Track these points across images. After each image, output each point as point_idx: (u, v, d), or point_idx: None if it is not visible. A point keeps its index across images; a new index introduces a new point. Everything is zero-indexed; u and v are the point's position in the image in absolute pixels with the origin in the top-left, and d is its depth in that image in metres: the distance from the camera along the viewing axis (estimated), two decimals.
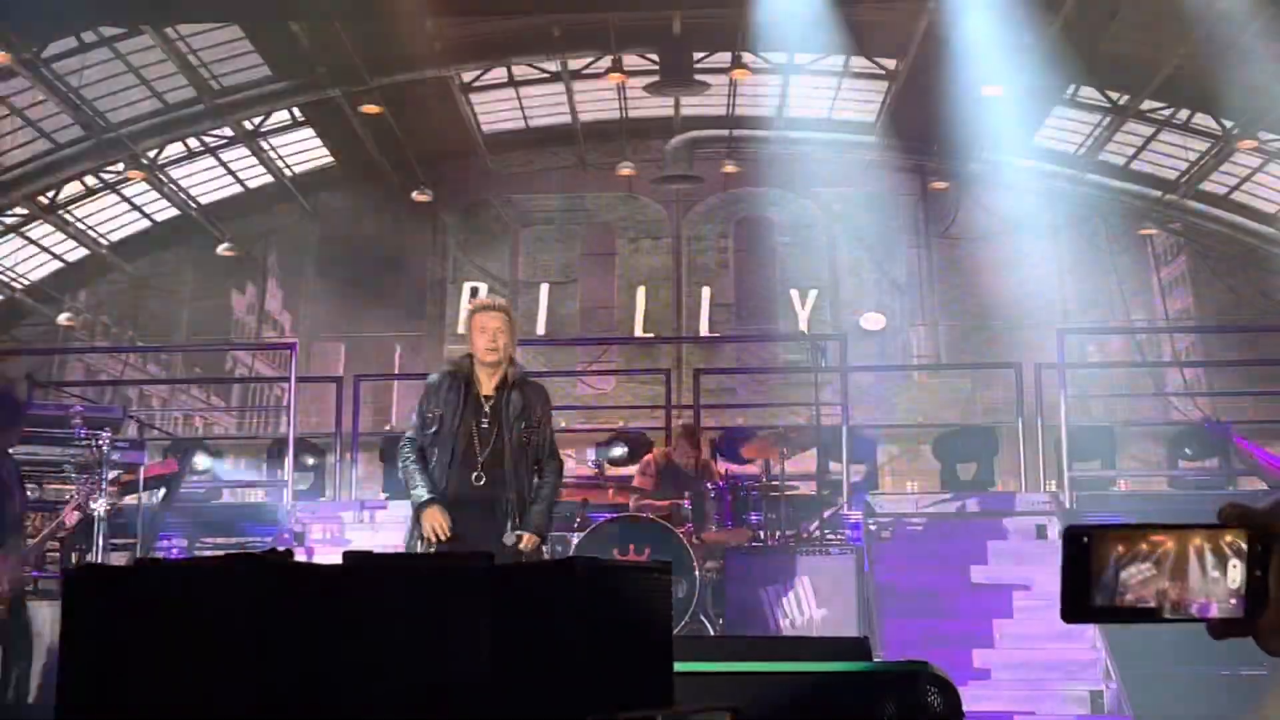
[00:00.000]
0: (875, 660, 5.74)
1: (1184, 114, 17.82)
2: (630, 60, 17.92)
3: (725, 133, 20.12)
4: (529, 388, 6.99)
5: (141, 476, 10.76)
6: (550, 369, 19.86)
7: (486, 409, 6.77)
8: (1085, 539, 1.50)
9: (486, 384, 6.82)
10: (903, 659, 6.12)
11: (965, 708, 5.32)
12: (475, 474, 6.68)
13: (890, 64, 17.79)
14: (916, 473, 17.28)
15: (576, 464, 14.47)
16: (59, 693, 4.06)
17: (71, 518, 8.02)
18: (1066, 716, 9.74)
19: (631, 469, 12.50)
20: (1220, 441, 13.51)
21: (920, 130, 18.86)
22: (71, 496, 8.28)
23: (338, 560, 4.19)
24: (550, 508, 6.95)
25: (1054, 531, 12.19)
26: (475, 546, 6.09)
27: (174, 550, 12.47)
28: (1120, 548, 1.50)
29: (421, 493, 6.70)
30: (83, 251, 20.84)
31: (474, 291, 20.95)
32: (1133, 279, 20.69)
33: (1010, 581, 11.53)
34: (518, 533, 6.63)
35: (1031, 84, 17.00)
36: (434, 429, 6.78)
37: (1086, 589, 1.48)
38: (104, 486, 9.11)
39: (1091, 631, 10.52)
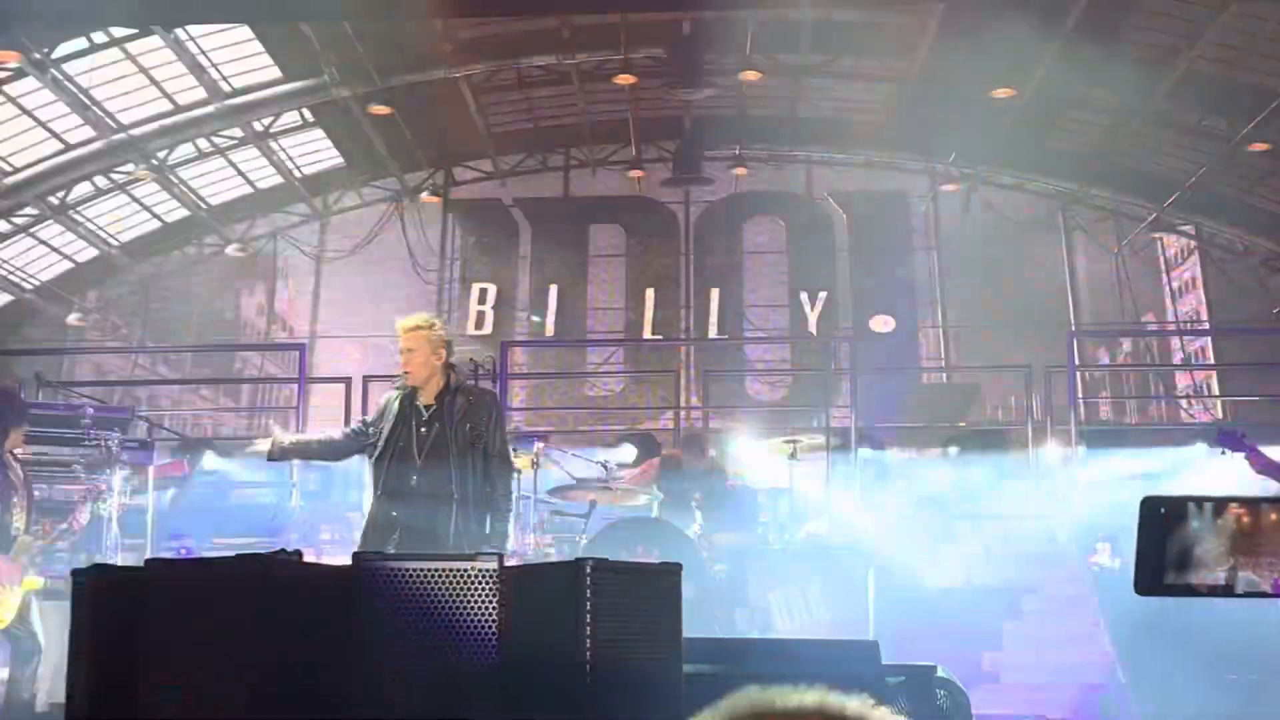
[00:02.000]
0: (884, 663, 5.72)
1: (1196, 115, 17.77)
2: (640, 61, 17.90)
3: (735, 133, 20.10)
4: (473, 393, 7.39)
5: (150, 477, 10.78)
6: (559, 370, 19.92)
7: (426, 415, 7.11)
8: (1162, 510, 1.47)
9: (427, 396, 7.18)
10: (911, 662, 6.11)
11: (974, 710, 5.31)
12: (413, 476, 7.00)
13: (901, 66, 17.75)
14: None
15: (585, 464, 14.46)
16: (69, 690, 4.07)
17: (82, 518, 8.04)
18: (1075, 718, 9.72)
19: (639, 469, 12.48)
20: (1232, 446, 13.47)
21: (931, 132, 18.83)
22: (81, 498, 8.29)
23: (346, 561, 4.19)
24: (508, 519, 7.20)
25: (1063, 534, 12.18)
26: (419, 538, 6.68)
27: (183, 550, 12.49)
28: (1196, 521, 1.48)
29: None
30: (92, 252, 20.85)
31: (482, 293, 20.96)
32: (1143, 281, 20.64)
33: (1019, 584, 11.51)
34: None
35: (1042, 86, 16.97)
36: (374, 441, 7.20)
37: (1161, 561, 1.46)
38: (113, 486, 9.13)
39: (1100, 634, 10.50)
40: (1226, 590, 1.44)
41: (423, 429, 7.05)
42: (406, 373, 7.19)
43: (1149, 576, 1.45)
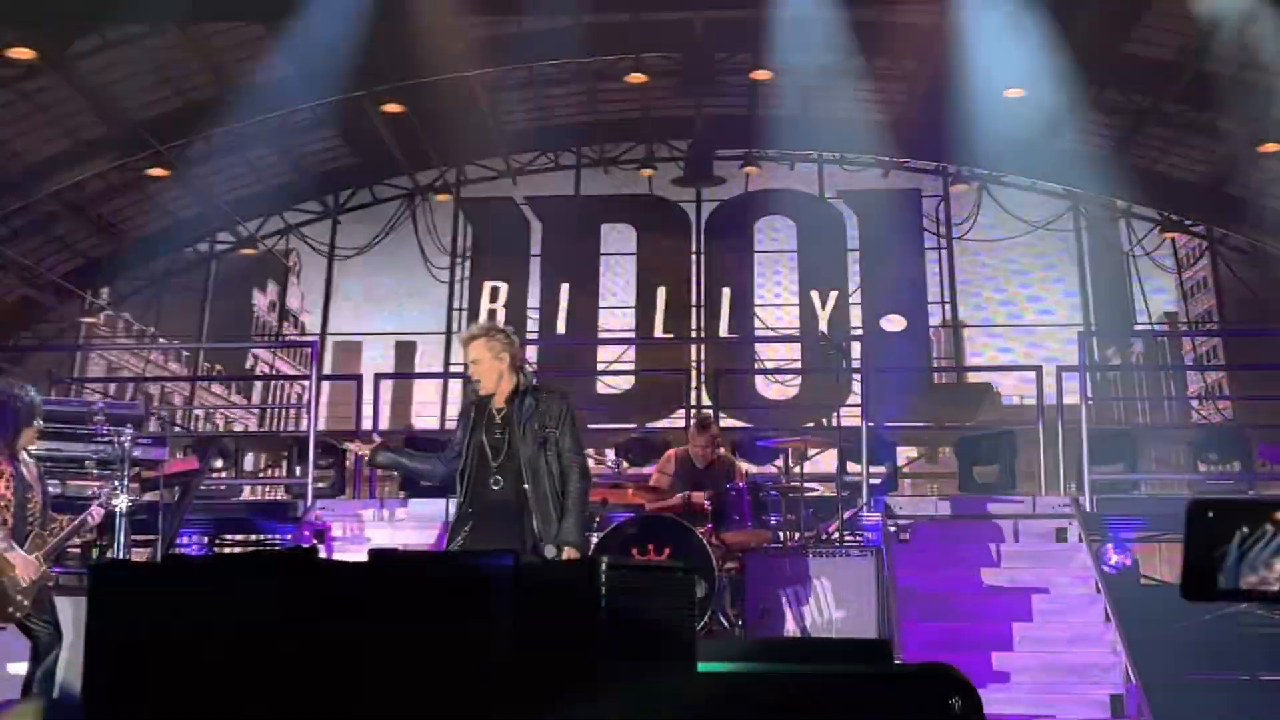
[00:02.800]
0: (895, 663, 5.73)
1: (1208, 116, 17.75)
2: (652, 60, 17.91)
3: (746, 133, 20.10)
4: (542, 392, 7.36)
5: (163, 473, 10.81)
6: (569, 368, 19.94)
7: (499, 420, 7.17)
8: (1210, 513, 1.45)
9: (499, 399, 7.23)
10: (922, 661, 6.11)
11: (985, 711, 5.31)
12: (492, 479, 7.06)
13: (912, 65, 17.75)
14: (936, 475, 17.26)
15: (595, 463, 14.49)
16: (85, 685, 4.09)
17: (96, 515, 8.06)
18: None
19: (650, 469, 12.50)
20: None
21: (942, 132, 18.82)
22: (96, 494, 8.31)
23: (358, 558, 4.20)
24: (580, 519, 7.17)
25: (1074, 535, 12.17)
26: (492, 537, 6.73)
27: (194, 547, 12.53)
28: (1246, 525, 1.45)
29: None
30: (105, 248, 20.90)
31: (494, 291, 20.98)
32: (1155, 281, 20.61)
33: (1030, 584, 11.50)
34: (556, 546, 6.89)
35: (1054, 86, 16.95)
36: (456, 452, 7.25)
37: (1209, 567, 1.43)
38: (126, 483, 9.14)
39: (1112, 635, 10.49)
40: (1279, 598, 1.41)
41: (496, 433, 7.14)
42: (478, 382, 7.25)
43: (1198, 583, 1.42)
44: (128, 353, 21.23)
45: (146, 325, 21.87)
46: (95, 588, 4.38)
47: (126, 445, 9.44)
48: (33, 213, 18.99)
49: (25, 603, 7.63)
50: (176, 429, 18.42)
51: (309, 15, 15.57)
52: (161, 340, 21.63)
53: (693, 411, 17.92)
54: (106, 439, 10.41)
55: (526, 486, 7.00)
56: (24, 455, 7.98)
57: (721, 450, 11.54)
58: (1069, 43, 15.66)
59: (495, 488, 7.04)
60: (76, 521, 7.96)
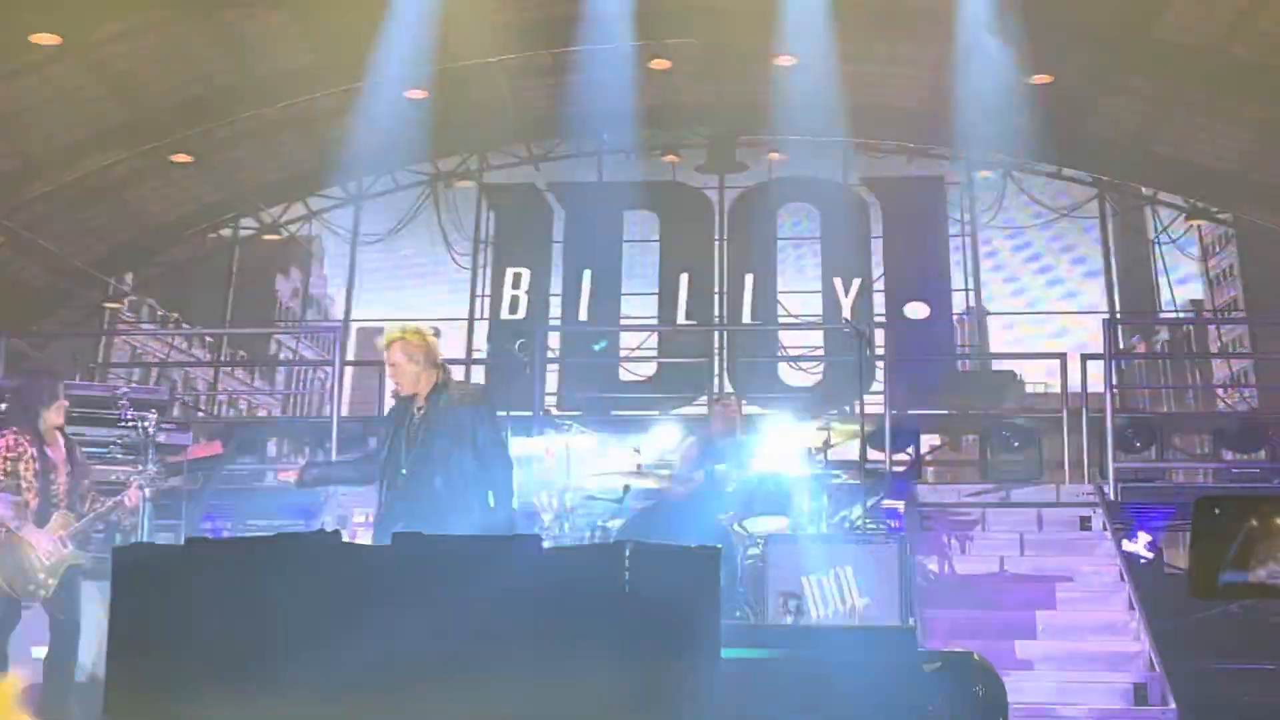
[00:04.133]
0: (920, 650, 5.71)
1: (1236, 102, 17.64)
2: (675, 46, 17.86)
3: (769, 119, 20.01)
4: (461, 388, 7.63)
5: (186, 458, 10.84)
6: (592, 355, 19.94)
7: (418, 417, 7.40)
8: (1217, 510, 1.43)
9: (420, 398, 7.46)
10: (947, 649, 6.10)
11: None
12: (410, 475, 7.28)
13: (937, 51, 17.66)
14: (959, 463, 17.20)
15: (617, 450, 14.47)
16: (109, 667, 4.09)
17: (134, 498, 8.10)
18: (1110, 708, 9.69)
19: (672, 456, 12.48)
20: None
21: (967, 118, 18.71)
22: (133, 479, 8.33)
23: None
24: (509, 508, 7.36)
25: (1097, 523, 12.13)
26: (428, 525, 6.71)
27: (218, 531, 12.57)
28: (1254, 520, 1.43)
29: None
30: (129, 234, 20.96)
31: (516, 277, 20.97)
32: (1180, 269, 20.50)
33: (1053, 573, 11.47)
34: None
35: (1080, 72, 16.86)
36: (379, 451, 7.55)
37: (1216, 563, 1.41)
38: (150, 467, 9.17)
39: (1135, 623, 10.46)
40: None
41: (415, 430, 7.35)
42: (398, 384, 7.49)
43: (1204, 579, 1.40)
44: (152, 338, 21.30)
45: (170, 311, 21.93)
46: (119, 570, 4.39)
47: (151, 430, 9.46)
48: (57, 199, 19.03)
49: (50, 582, 7.66)
50: (200, 414, 18.48)
51: (333, 2, 15.58)
52: (185, 326, 21.69)
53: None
54: (131, 424, 10.44)
55: (439, 481, 7.17)
56: (56, 436, 8.03)
57: (741, 435, 11.52)
58: (1096, 28, 15.58)
59: (413, 483, 7.23)
60: (111, 503, 8.00)
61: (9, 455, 7.81)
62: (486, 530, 6.89)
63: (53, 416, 8.05)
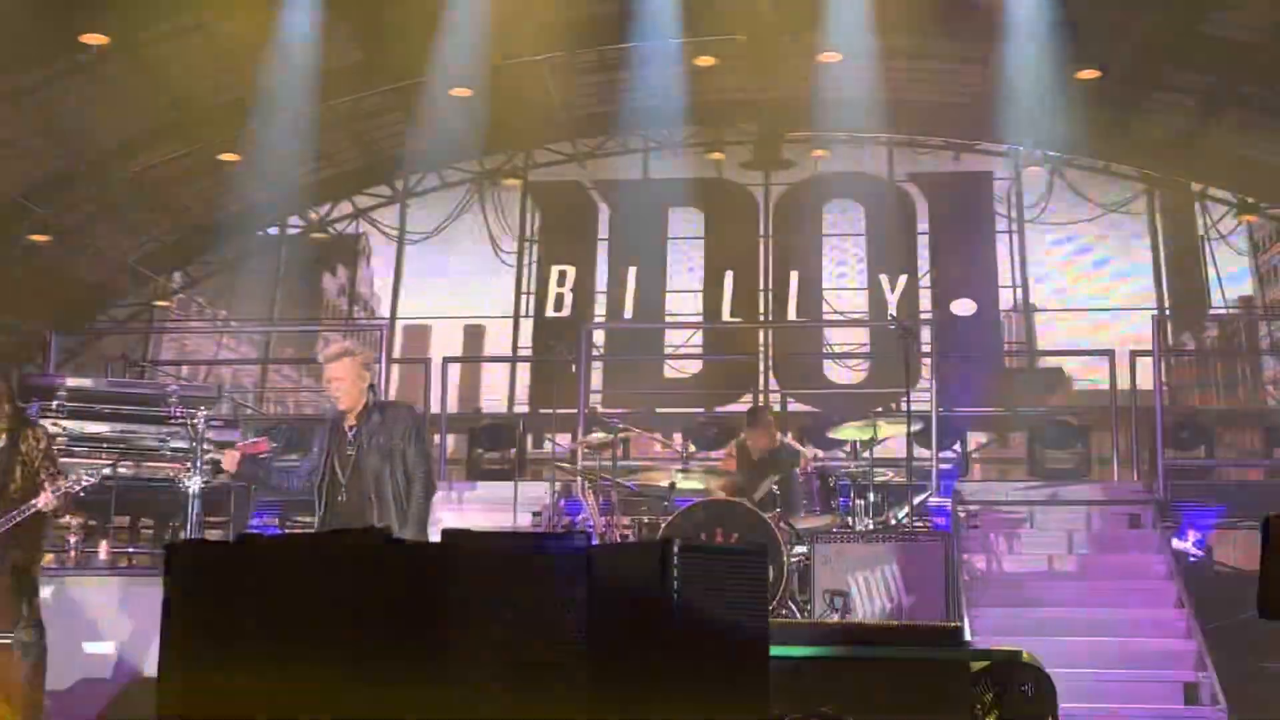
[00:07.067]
0: (969, 649, 5.68)
1: None
2: (719, 43, 17.84)
3: (815, 115, 19.96)
4: (390, 408, 7.94)
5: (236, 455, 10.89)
6: (637, 353, 19.95)
7: (350, 436, 7.63)
8: None
9: (351, 417, 7.72)
10: (996, 648, 6.06)
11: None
12: (341, 493, 7.54)
13: (984, 46, 17.58)
14: (1006, 460, 17.12)
15: (663, 447, 14.49)
16: (161, 663, 4.12)
17: (47, 501, 7.74)
18: (1160, 707, 9.63)
19: (718, 452, 12.49)
20: None
21: (1014, 113, 18.61)
22: (48, 485, 7.98)
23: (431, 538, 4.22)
24: (420, 529, 7.51)
25: (1147, 520, 12.06)
26: None
27: (266, 528, 12.65)
28: None
29: None
30: (177, 233, 21.10)
31: (561, 275, 20.99)
32: (1230, 265, 20.31)
33: (1102, 570, 11.42)
34: None
35: (1128, 68, 16.74)
36: (312, 467, 7.77)
37: None
38: (200, 464, 9.24)
39: (1185, 622, 10.39)
40: None
41: (348, 451, 7.58)
42: (336, 399, 7.71)
43: (1277, 599, 1.36)
44: (200, 337, 21.45)
45: (218, 309, 22.08)
46: (172, 567, 4.42)
47: (200, 427, 9.53)
48: (107, 197, 19.19)
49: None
50: (249, 411, 18.58)
51: (380, 1, 15.65)
52: (233, 324, 21.83)
53: (760, 398, 17.94)
54: (180, 421, 10.53)
55: (372, 498, 7.42)
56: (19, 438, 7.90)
57: (782, 438, 11.52)
58: (1144, 23, 15.46)
59: (344, 500, 7.48)
60: (25, 506, 7.70)
61: None
62: None
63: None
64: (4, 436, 7.85)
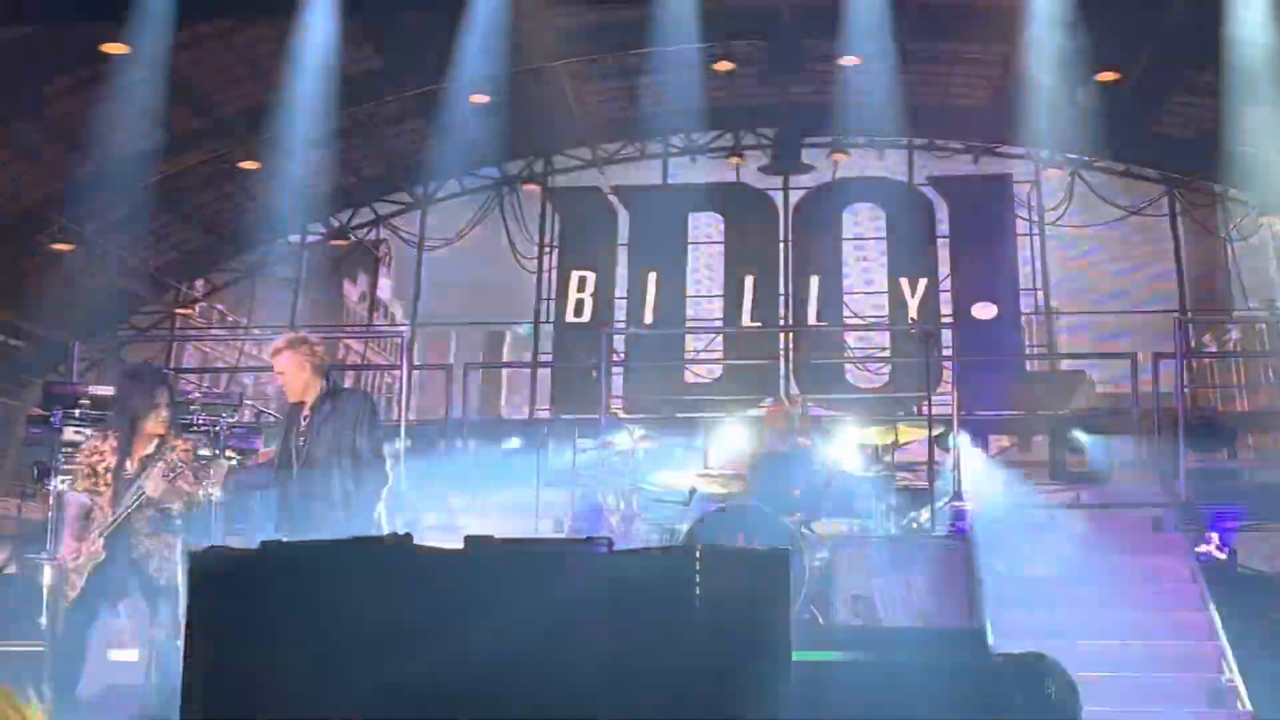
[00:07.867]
0: (992, 653, 5.68)
1: None
2: (738, 47, 17.85)
3: (834, 119, 19.95)
4: (343, 394, 7.96)
5: (257, 461, 10.94)
6: (657, 358, 19.96)
7: (304, 424, 7.74)
8: None
9: (306, 406, 7.82)
10: (1016, 651, 6.05)
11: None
12: (297, 480, 7.62)
13: (1003, 49, 17.55)
14: (1028, 463, 17.07)
15: (684, 450, 14.48)
16: (185, 670, 4.14)
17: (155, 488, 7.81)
18: (1184, 709, 9.59)
19: (739, 457, 12.48)
20: None
21: (1033, 116, 18.57)
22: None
23: (452, 544, 4.23)
24: (367, 516, 7.58)
25: (1169, 523, 12.02)
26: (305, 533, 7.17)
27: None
28: None
29: None
30: (199, 241, 21.18)
31: (581, 280, 21.01)
32: (1252, 267, 20.24)
33: (1124, 573, 11.37)
34: None
35: (1148, 70, 16.69)
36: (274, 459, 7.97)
37: None
38: (221, 471, 9.23)
39: (1209, 625, 10.35)
40: None
41: (300, 438, 7.68)
42: (287, 391, 7.89)
43: None
44: (221, 345, 21.53)
45: (240, 316, 22.15)
46: (194, 574, 4.44)
47: (221, 434, 9.57)
48: (127, 206, 19.26)
49: (78, 582, 7.70)
50: (272, 419, 18.65)
51: (397, 8, 15.67)
52: (255, 331, 21.90)
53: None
54: (203, 428, 10.56)
55: (320, 486, 7.50)
56: (150, 444, 7.93)
57: (802, 439, 11.50)
58: (1164, 25, 15.41)
59: (299, 488, 7.55)
60: (134, 488, 7.76)
61: (91, 458, 7.89)
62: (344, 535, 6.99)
63: (150, 426, 7.90)
64: (154, 441, 7.92)
